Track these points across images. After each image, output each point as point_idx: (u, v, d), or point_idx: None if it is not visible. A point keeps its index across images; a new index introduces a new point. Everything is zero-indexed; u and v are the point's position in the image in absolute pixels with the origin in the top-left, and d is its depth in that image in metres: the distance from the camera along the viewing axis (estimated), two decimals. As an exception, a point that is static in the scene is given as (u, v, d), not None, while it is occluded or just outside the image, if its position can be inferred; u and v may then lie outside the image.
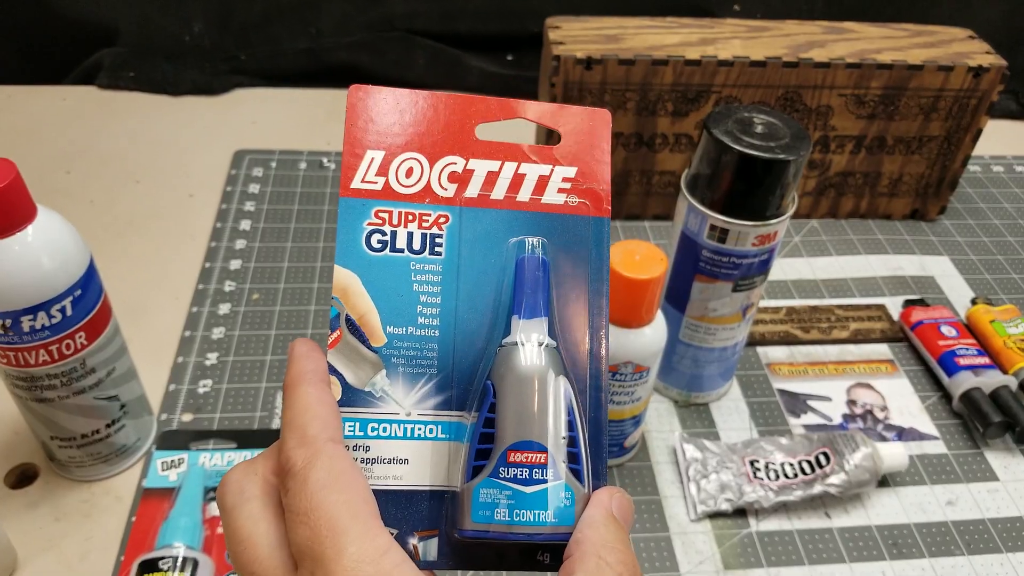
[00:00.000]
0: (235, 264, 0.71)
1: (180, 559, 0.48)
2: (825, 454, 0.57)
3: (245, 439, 0.57)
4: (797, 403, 0.63)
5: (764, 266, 0.55)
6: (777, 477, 0.56)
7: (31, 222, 0.45)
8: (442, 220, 0.32)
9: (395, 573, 0.25)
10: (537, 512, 0.29)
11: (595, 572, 0.26)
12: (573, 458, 0.30)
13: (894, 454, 0.57)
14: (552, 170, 0.33)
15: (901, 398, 0.64)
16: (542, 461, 0.29)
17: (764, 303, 0.71)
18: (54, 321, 0.46)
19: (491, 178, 0.32)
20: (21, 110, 0.88)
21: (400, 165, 0.32)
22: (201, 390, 0.61)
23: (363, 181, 0.32)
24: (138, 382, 0.55)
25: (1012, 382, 0.63)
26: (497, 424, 0.29)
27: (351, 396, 0.30)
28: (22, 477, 0.56)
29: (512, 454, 0.29)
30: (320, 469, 0.27)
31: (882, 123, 0.73)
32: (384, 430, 0.30)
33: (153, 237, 0.74)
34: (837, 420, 0.62)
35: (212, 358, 0.63)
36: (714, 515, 0.56)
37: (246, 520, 0.28)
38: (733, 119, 0.52)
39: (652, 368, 0.53)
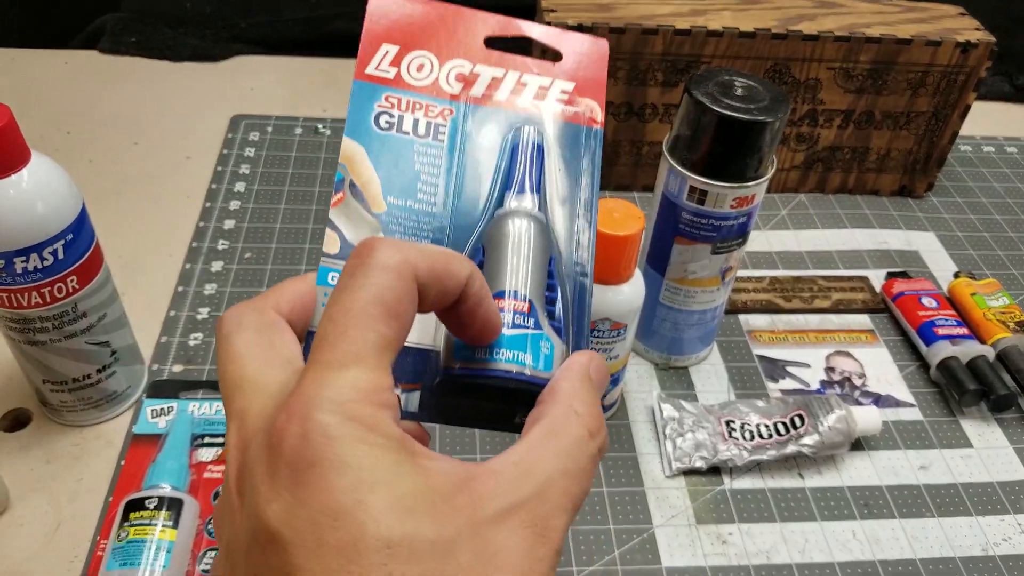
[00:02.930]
0: (229, 224, 0.73)
1: (166, 499, 0.50)
2: (800, 416, 0.58)
3: (233, 390, 0.59)
4: (776, 369, 0.64)
5: (743, 229, 0.56)
6: (752, 437, 0.57)
7: (25, 165, 0.46)
8: (447, 112, 0.34)
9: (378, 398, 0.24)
10: (517, 353, 0.29)
11: (563, 419, 0.27)
12: (553, 316, 0.31)
13: (867, 417, 0.58)
14: (552, 82, 0.35)
15: (879, 366, 0.65)
16: (524, 309, 0.30)
17: (748, 272, 0.72)
18: (46, 264, 0.48)
19: (495, 83, 0.34)
20: (24, 73, 0.89)
21: (412, 60, 0.34)
22: (192, 342, 0.62)
23: (377, 69, 0.33)
24: (129, 331, 0.56)
25: (990, 352, 0.64)
26: (484, 276, 0.30)
27: (348, 252, 0.31)
28: (16, 422, 0.57)
29: (496, 301, 0.30)
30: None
31: (870, 97, 0.74)
32: None
33: (150, 197, 0.75)
34: (815, 386, 0.63)
35: (204, 312, 0.65)
36: (689, 472, 0.57)
37: (240, 343, 0.27)
38: (714, 82, 0.53)
39: (630, 326, 0.54)
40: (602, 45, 0.35)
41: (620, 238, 0.50)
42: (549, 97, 0.34)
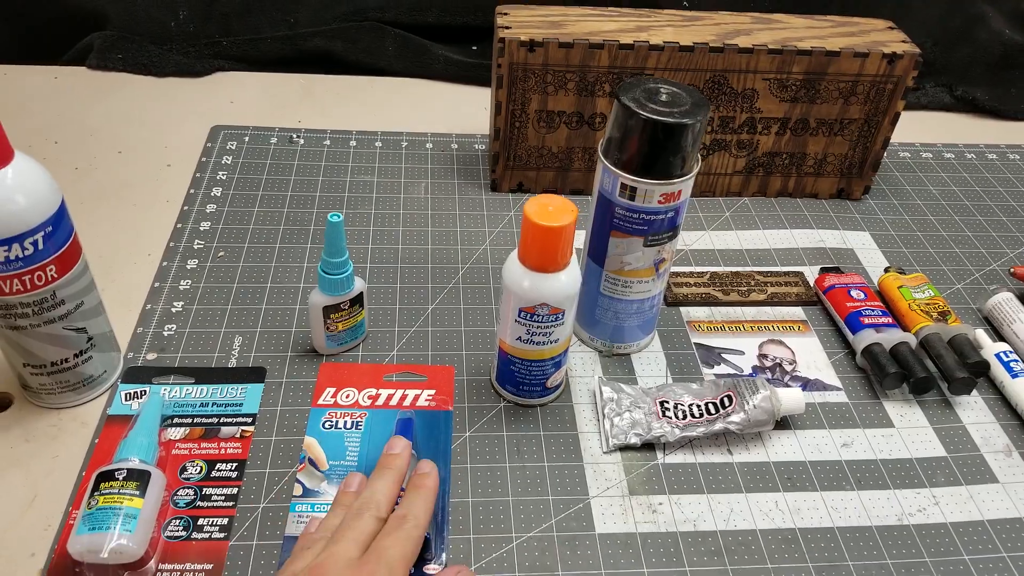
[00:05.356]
0: (205, 225, 0.77)
1: (135, 471, 0.53)
2: (728, 396, 0.62)
3: (203, 375, 0.63)
4: (712, 355, 0.69)
5: (672, 223, 0.61)
6: (684, 416, 0.62)
7: (8, 163, 0.51)
8: (363, 415, 0.62)
9: None
10: None
11: None
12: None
13: (791, 397, 0.62)
14: (423, 391, 0.64)
15: (810, 354, 0.70)
16: None
17: (689, 268, 0.77)
18: (27, 253, 0.52)
19: (390, 398, 0.63)
20: (15, 87, 0.94)
21: (343, 393, 0.63)
22: (166, 333, 0.67)
23: (323, 400, 0.63)
24: (105, 319, 0.61)
25: (912, 340, 0.68)
26: None
27: (310, 492, 0.57)
28: (-1, 405, 0.62)
29: None
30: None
31: (804, 106, 0.79)
32: (324, 508, 0.56)
33: (131, 201, 0.80)
34: (747, 371, 0.68)
35: (178, 306, 0.69)
36: (624, 448, 0.61)
37: None
38: (641, 89, 0.58)
39: (568, 311, 0.59)
40: (449, 370, 0.66)
41: (555, 229, 0.54)
42: (421, 399, 0.63)
